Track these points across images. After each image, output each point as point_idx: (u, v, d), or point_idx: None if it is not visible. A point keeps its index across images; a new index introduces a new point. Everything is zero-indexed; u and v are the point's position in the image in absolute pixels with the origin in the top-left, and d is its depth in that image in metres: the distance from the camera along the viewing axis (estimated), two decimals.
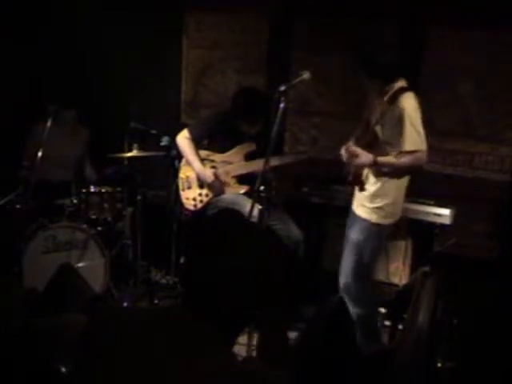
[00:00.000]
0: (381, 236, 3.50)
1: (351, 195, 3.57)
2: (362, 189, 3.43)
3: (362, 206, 3.44)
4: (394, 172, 3.34)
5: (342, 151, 3.45)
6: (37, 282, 3.50)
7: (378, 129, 3.31)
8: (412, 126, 3.19)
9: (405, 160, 3.25)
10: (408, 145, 3.21)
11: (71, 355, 1.50)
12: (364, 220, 3.42)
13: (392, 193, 3.40)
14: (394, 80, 3.27)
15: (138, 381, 1.35)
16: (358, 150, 3.32)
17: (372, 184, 3.39)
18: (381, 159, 3.29)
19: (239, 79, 5.08)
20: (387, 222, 3.44)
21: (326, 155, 3.65)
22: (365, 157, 3.30)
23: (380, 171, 3.35)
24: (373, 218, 3.41)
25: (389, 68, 3.25)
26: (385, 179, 3.36)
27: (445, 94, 4.33)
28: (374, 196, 3.39)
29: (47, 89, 4.54)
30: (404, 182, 3.42)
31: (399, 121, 3.19)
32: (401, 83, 3.29)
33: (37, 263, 3.95)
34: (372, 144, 3.35)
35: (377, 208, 3.40)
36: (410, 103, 3.22)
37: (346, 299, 3.40)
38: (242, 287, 1.43)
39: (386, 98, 3.26)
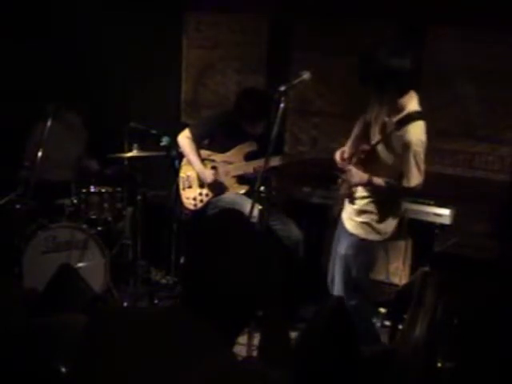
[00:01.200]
0: (368, 251, 3.43)
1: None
2: (351, 201, 3.37)
3: (350, 219, 3.38)
4: (383, 194, 3.28)
5: (337, 156, 3.41)
6: (37, 282, 3.50)
7: (379, 148, 3.22)
8: (416, 164, 3.07)
9: (399, 192, 3.25)
10: (408, 182, 3.15)
11: (71, 355, 1.50)
12: (351, 234, 3.36)
13: (380, 211, 3.31)
14: (406, 91, 3.08)
15: (138, 381, 1.35)
16: (353, 170, 3.25)
17: (360, 198, 3.34)
18: (375, 181, 3.21)
19: (239, 79, 5.08)
20: (375, 238, 3.36)
21: (326, 155, 3.64)
22: (359, 177, 3.23)
23: (369, 189, 3.30)
24: (359, 232, 3.34)
25: (404, 74, 2.99)
26: (372, 197, 3.31)
27: (445, 94, 4.33)
28: (361, 211, 3.33)
29: (47, 89, 4.54)
30: (393, 202, 3.37)
31: (404, 152, 3.08)
32: (413, 105, 3.11)
33: (37, 263, 3.95)
34: (370, 159, 3.27)
35: (363, 223, 3.33)
36: (417, 137, 3.05)
37: None
38: (242, 287, 1.43)
39: (395, 119, 3.12)
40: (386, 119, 3.19)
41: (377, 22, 4.34)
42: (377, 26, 4.34)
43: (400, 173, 3.18)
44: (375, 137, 3.28)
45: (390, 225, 3.37)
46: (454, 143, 4.37)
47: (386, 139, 3.16)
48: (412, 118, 3.07)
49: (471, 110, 4.29)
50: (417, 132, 3.06)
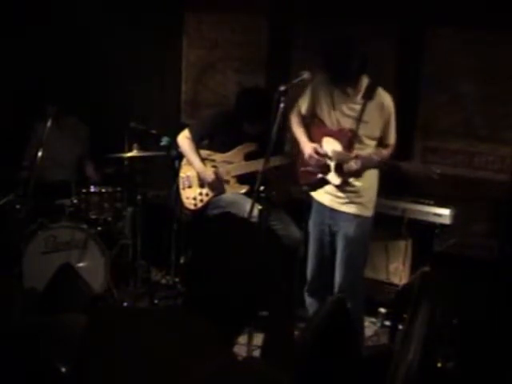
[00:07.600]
0: (371, 228, 3.55)
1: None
2: (346, 183, 3.40)
3: (352, 202, 3.43)
4: (374, 164, 3.37)
5: (313, 155, 3.42)
6: (37, 281, 3.50)
7: (361, 127, 3.32)
8: (395, 121, 3.38)
9: (389, 151, 3.40)
10: (390, 139, 3.41)
11: (71, 355, 1.50)
12: (358, 216, 3.43)
13: (375, 185, 3.46)
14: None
15: (138, 381, 1.35)
16: (361, 156, 3.29)
17: (357, 179, 3.39)
18: (377, 156, 3.32)
19: (239, 79, 5.08)
20: (373, 213, 3.50)
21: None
22: (366, 160, 3.29)
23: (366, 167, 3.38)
24: (365, 212, 3.44)
25: (366, 62, 3.28)
26: (368, 172, 3.38)
27: (445, 94, 4.33)
28: (363, 190, 3.41)
29: (47, 89, 4.54)
30: (378, 172, 3.47)
31: (385, 114, 3.33)
32: (365, 78, 3.34)
33: (37, 263, 3.95)
34: (353, 142, 3.34)
35: (368, 201, 3.44)
36: (390, 98, 3.35)
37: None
38: (242, 287, 1.43)
39: (359, 96, 3.32)
40: (356, 99, 3.34)
41: (377, 22, 4.34)
42: (377, 26, 4.34)
43: (379, 138, 3.40)
44: (344, 120, 3.37)
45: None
46: (454, 143, 4.37)
47: (362, 115, 3.31)
48: (373, 86, 3.33)
49: (471, 110, 4.29)
50: (388, 95, 3.36)
